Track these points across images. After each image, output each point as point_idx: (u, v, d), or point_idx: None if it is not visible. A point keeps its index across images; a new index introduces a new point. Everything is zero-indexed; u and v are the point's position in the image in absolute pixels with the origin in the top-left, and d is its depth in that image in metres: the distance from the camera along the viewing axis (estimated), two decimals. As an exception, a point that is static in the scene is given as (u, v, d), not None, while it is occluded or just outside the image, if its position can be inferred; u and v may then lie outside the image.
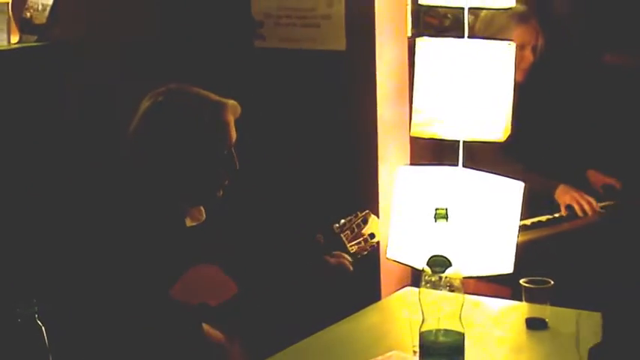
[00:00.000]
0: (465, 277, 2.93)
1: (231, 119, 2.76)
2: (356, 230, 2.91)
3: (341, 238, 2.87)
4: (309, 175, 3.36)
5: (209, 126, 2.71)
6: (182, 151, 2.69)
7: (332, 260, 2.83)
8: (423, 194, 2.99)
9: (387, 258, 3.11)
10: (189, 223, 2.77)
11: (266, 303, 2.66)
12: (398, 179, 3.08)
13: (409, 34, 3.51)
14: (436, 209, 2.19)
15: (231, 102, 2.75)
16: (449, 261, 2.09)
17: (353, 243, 2.89)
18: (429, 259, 2.09)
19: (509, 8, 3.10)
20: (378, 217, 3.14)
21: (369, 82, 3.19)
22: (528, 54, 3.89)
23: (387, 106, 3.24)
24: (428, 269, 2.09)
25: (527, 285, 2.57)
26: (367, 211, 2.97)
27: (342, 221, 2.92)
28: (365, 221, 2.93)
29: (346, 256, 2.86)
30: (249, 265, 2.69)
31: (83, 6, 3.83)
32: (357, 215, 2.96)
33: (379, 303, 3.03)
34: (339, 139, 3.29)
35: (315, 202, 3.33)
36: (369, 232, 2.95)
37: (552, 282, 2.54)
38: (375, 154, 3.20)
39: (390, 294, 3.10)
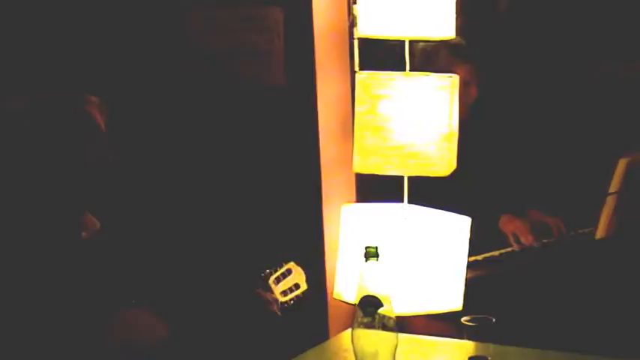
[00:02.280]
0: (414, 315, 3.11)
1: (97, 115, 2.74)
2: (282, 280, 2.96)
3: (269, 285, 2.91)
4: (250, 213, 3.38)
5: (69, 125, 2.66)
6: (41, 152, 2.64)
7: (265, 295, 2.88)
8: (368, 232, 3.00)
9: (334, 297, 3.14)
10: (84, 233, 2.75)
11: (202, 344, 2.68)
12: (342, 217, 3.11)
13: (357, 68, 3.54)
14: (366, 248, 2.22)
15: (94, 98, 2.74)
16: (380, 301, 2.12)
17: (277, 293, 2.92)
18: (360, 300, 2.11)
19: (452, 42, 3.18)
20: (324, 255, 3.20)
21: (311, 117, 3.22)
22: (473, 89, 3.92)
23: (330, 143, 3.28)
24: (359, 310, 2.11)
25: (468, 323, 2.59)
26: (292, 262, 2.99)
27: (267, 271, 2.94)
28: (289, 272, 2.96)
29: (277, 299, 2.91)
30: (184, 307, 2.70)
31: None
32: (281, 266, 2.98)
33: (324, 344, 3.02)
34: (281, 177, 3.31)
35: (258, 241, 3.33)
36: (294, 283, 2.98)
37: (494, 319, 2.57)
38: (319, 192, 3.23)
39: (337, 333, 3.07)
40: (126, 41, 3.49)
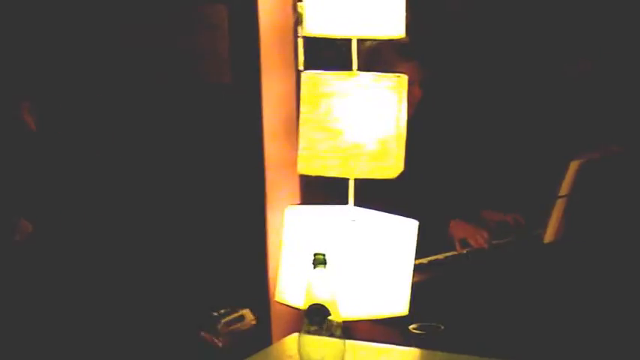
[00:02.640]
0: (358, 320, 3.07)
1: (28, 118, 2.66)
2: (231, 326, 2.93)
3: (216, 328, 2.90)
4: (190, 213, 3.32)
5: None
6: None
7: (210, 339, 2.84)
8: (312, 235, 2.94)
9: (276, 301, 3.06)
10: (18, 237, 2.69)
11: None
12: (286, 220, 3.04)
13: (301, 67, 3.50)
14: (314, 255, 2.18)
15: (25, 102, 2.68)
16: (328, 310, 2.08)
17: (222, 338, 2.92)
18: (308, 308, 2.07)
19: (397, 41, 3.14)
20: (267, 258, 3.15)
21: (255, 117, 3.18)
22: (417, 89, 3.89)
23: (275, 143, 3.24)
24: (307, 319, 2.07)
25: (416, 331, 2.56)
26: (247, 309, 2.99)
27: (221, 312, 2.93)
28: (241, 319, 2.98)
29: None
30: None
31: None
32: (235, 310, 2.98)
33: (268, 349, 2.98)
34: (224, 177, 3.25)
35: (198, 245, 3.28)
36: (242, 330, 2.99)
37: (442, 327, 2.55)
38: (263, 193, 3.19)
39: (281, 338, 3.00)
40: (66, 42, 3.40)
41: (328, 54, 3.49)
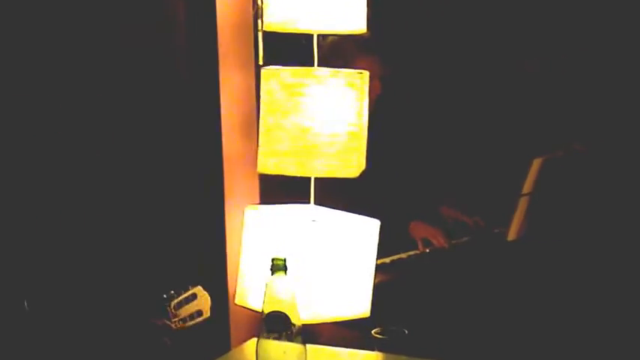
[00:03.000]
0: (320, 323, 3.03)
1: None
2: (183, 306, 2.83)
3: (167, 310, 2.78)
4: (147, 213, 3.21)
5: None
6: None
7: (158, 323, 2.76)
8: (273, 235, 2.90)
9: (236, 304, 3.03)
10: None
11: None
12: (245, 219, 2.99)
13: (261, 62, 3.44)
14: (273, 259, 2.13)
15: None
16: (288, 320, 2.03)
17: (176, 319, 2.80)
18: (267, 316, 2.02)
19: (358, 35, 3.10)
20: (225, 259, 3.10)
21: (213, 113, 3.11)
22: (377, 84, 3.84)
23: (233, 140, 3.17)
24: (265, 327, 2.03)
25: (378, 336, 2.52)
26: (198, 286, 2.87)
27: (172, 292, 2.81)
28: (194, 297, 2.84)
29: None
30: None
31: None
32: (187, 290, 2.85)
33: (228, 354, 2.93)
34: (181, 175, 3.17)
35: (155, 244, 3.19)
36: (197, 309, 2.86)
37: (406, 331, 2.50)
38: (221, 192, 3.12)
39: (241, 342, 2.94)
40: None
41: (289, 49, 3.47)
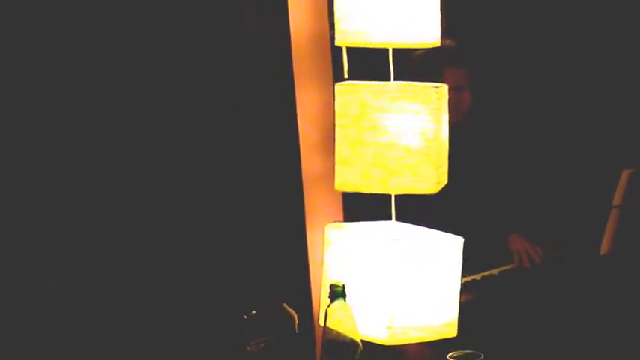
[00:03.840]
0: (404, 343, 3.00)
1: None
2: (263, 325, 2.84)
3: (244, 332, 2.80)
4: (229, 233, 3.28)
5: None
6: None
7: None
8: (354, 254, 2.88)
9: (320, 325, 2.94)
10: None
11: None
12: (326, 237, 2.97)
13: (346, 76, 3.43)
14: (331, 286, 2.10)
15: None
16: (349, 344, 2.01)
17: (255, 342, 2.81)
18: (326, 343, 2.00)
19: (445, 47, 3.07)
20: (309, 279, 3.09)
21: (292, 130, 3.10)
22: (467, 96, 3.84)
23: (313, 157, 3.15)
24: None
25: (453, 360, 2.49)
26: (283, 304, 2.90)
27: (253, 312, 2.83)
28: (277, 314, 2.87)
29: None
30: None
31: None
32: (271, 308, 2.88)
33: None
34: (263, 193, 3.20)
35: (237, 264, 3.23)
36: (281, 328, 2.88)
37: (482, 356, 2.47)
38: (302, 210, 3.12)
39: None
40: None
41: (372, 62, 3.46)
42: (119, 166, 3.26)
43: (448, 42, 3.18)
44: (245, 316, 2.81)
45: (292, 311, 2.90)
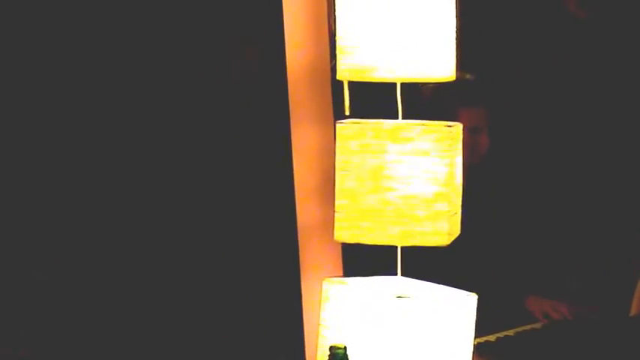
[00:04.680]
0: None
1: None
2: None
3: None
4: (219, 282, 3.15)
5: None
6: None
7: None
8: (353, 312, 2.69)
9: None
10: None
11: None
12: (323, 293, 2.79)
13: (347, 112, 3.25)
14: (331, 347, 1.94)
15: None
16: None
17: None
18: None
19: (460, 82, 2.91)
20: (303, 339, 2.91)
21: (286, 173, 2.93)
22: (484, 138, 3.70)
23: (309, 204, 2.99)
24: None
25: None
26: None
27: None
28: None
29: None
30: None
31: None
32: None
33: None
34: (253, 243, 3.04)
35: (226, 321, 3.07)
36: None
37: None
38: (297, 262, 2.94)
39: None
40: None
41: (377, 99, 3.30)
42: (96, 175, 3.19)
43: (465, 76, 3.01)
44: None
45: None
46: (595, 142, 4.19)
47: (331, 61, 2.97)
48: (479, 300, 2.72)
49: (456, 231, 2.74)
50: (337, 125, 2.74)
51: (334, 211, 2.73)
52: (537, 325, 3.62)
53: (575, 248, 3.95)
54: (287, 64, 2.84)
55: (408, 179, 2.65)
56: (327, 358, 2.08)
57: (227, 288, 3.06)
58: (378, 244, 2.70)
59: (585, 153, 4.19)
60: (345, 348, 2.08)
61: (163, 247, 3.08)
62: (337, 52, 2.72)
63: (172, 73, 3.16)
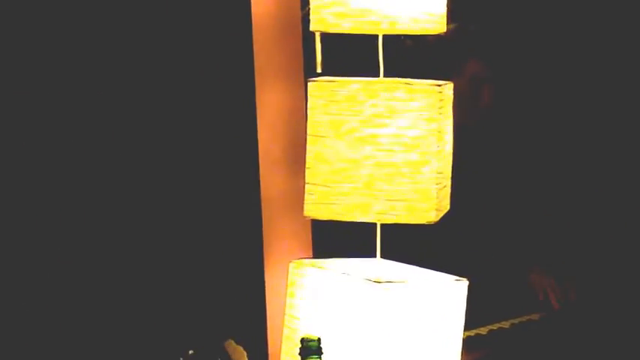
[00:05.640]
0: None
1: None
2: None
3: None
4: (174, 265, 3.01)
5: None
6: None
7: None
8: (329, 299, 2.54)
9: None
10: None
11: None
12: (290, 277, 2.64)
13: (319, 69, 3.06)
14: (303, 340, 1.99)
15: None
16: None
17: None
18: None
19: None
20: (266, 328, 2.81)
21: (250, 140, 2.77)
22: (485, 94, 3.58)
23: (275, 175, 2.83)
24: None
25: None
26: (229, 340, 2.64)
27: (190, 352, 2.57)
28: (224, 354, 2.60)
29: None
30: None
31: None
32: (214, 345, 2.61)
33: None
34: (211, 221, 2.89)
35: (181, 305, 2.97)
36: None
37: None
38: (260, 240, 2.79)
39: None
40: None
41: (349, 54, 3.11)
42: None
43: (469, 28, 2.88)
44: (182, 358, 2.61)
45: (241, 349, 2.71)
46: (600, 98, 4.11)
47: (303, 9, 2.76)
48: (470, 286, 2.58)
49: (445, 206, 2.59)
50: (308, 83, 2.58)
51: (304, 183, 2.57)
52: (534, 317, 3.49)
53: (584, 219, 3.87)
54: (252, 13, 2.63)
55: (389, 146, 2.48)
56: (298, 351, 1.96)
57: (180, 266, 2.98)
58: (355, 220, 2.55)
59: (590, 112, 4.12)
60: (318, 340, 2.00)
61: (120, 223, 2.97)
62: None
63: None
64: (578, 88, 4.13)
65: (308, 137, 2.55)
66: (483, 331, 3.36)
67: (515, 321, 3.46)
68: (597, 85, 4.11)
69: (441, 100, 2.50)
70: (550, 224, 3.73)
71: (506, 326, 3.43)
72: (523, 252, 3.64)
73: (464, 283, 2.57)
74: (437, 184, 2.50)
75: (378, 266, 2.63)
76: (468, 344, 2.74)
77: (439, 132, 2.50)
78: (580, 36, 4.16)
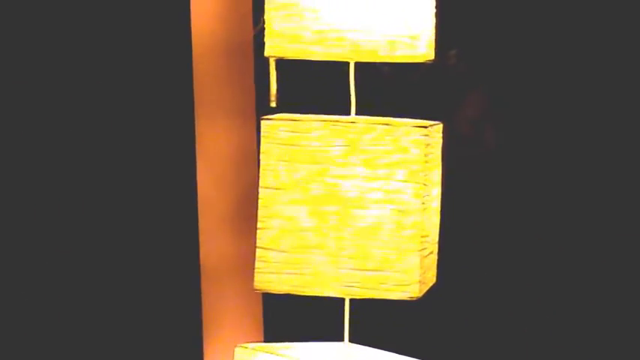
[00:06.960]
0: None
1: None
2: None
3: None
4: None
5: None
6: None
7: None
8: None
9: None
10: None
11: None
12: (236, 365, 2.41)
13: (273, 104, 2.71)
14: None
15: None
16: None
17: None
18: None
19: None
20: None
21: (186, 194, 2.45)
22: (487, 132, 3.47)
23: (218, 237, 2.47)
24: None
25: None
26: None
27: None
28: None
29: None
30: None
31: None
32: None
33: None
34: (144, 294, 2.59)
35: None
36: None
37: None
38: (198, 320, 2.46)
39: None
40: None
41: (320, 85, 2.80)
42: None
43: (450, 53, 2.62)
44: None
45: None
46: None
47: (255, 27, 2.40)
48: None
49: (431, 278, 2.26)
50: (262, 121, 2.24)
51: (254, 247, 2.25)
52: None
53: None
54: (193, 44, 2.26)
55: (361, 202, 2.19)
56: None
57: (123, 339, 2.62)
58: (318, 295, 2.23)
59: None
60: None
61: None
62: (265, 14, 2.21)
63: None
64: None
65: (260, 189, 2.22)
66: None
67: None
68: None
69: (428, 145, 2.19)
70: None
71: None
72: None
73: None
74: (421, 249, 2.19)
75: (346, 353, 2.34)
76: None
77: (424, 184, 2.20)
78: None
